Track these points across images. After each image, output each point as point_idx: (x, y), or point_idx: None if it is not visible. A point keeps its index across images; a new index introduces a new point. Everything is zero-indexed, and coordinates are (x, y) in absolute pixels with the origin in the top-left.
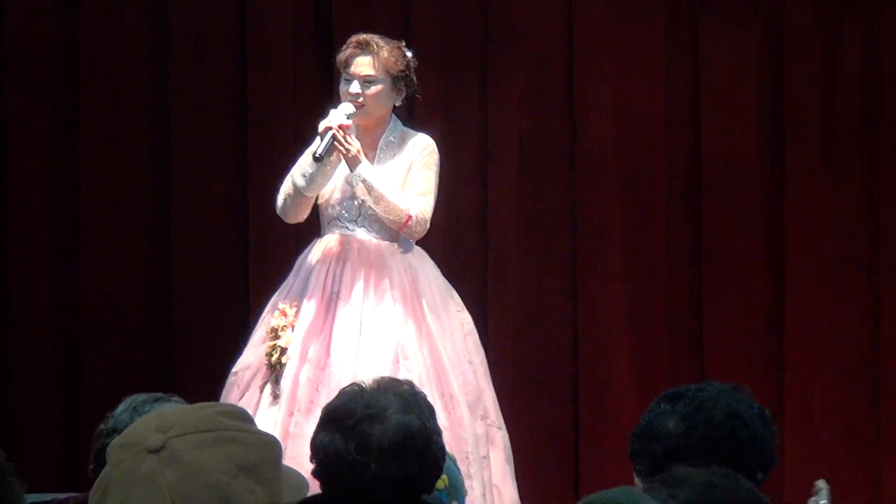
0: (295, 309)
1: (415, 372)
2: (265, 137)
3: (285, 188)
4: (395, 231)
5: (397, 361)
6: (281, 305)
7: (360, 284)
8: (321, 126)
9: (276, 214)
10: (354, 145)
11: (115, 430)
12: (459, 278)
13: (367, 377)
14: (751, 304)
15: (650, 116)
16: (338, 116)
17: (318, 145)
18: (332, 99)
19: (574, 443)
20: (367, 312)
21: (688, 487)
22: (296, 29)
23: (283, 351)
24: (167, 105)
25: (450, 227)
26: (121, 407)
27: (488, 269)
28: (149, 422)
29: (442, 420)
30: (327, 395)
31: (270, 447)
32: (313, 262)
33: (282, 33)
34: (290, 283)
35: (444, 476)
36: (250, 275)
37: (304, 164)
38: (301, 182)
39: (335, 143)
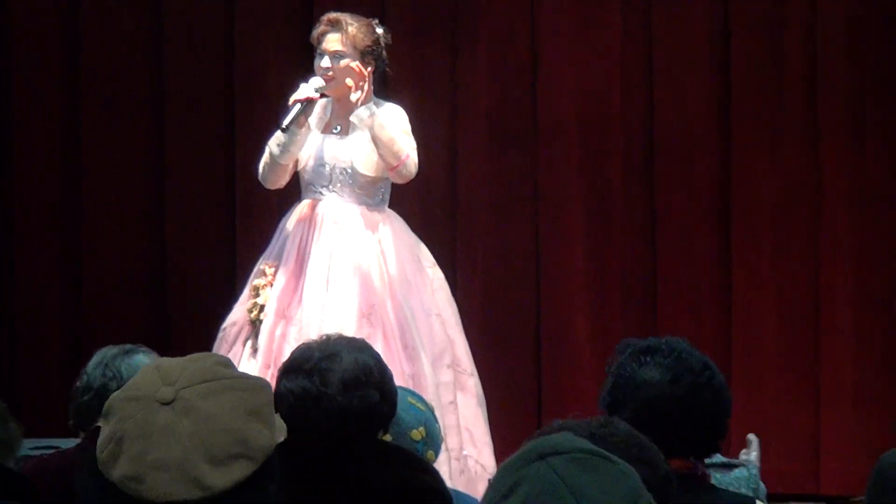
0: (273, 269)
1: (378, 326)
2: (249, 112)
3: (264, 157)
4: (364, 196)
5: (363, 316)
6: (262, 266)
7: (329, 245)
8: (291, 99)
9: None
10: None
11: (90, 388)
12: (430, 241)
13: (332, 330)
14: (700, 266)
15: (607, 90)
16: (307, 89)
17: (286, 117)
18: (312, 73)
19: (537, 390)
20: (335, 270)
21: None
22: (279, 8)
23: (262, 308)
24: (161, 83)
25: (421, 194)
26: (92, 363)
27: (457, 233)
28: (150, 375)
29: (405, 369)
30: None
31: (267, 391)
32: (290, 225)
33: (266, 12)
34: (272, 245)
35: (421, 427)
36: (237, 239)
37: (279, 135)
38: (276, 151)
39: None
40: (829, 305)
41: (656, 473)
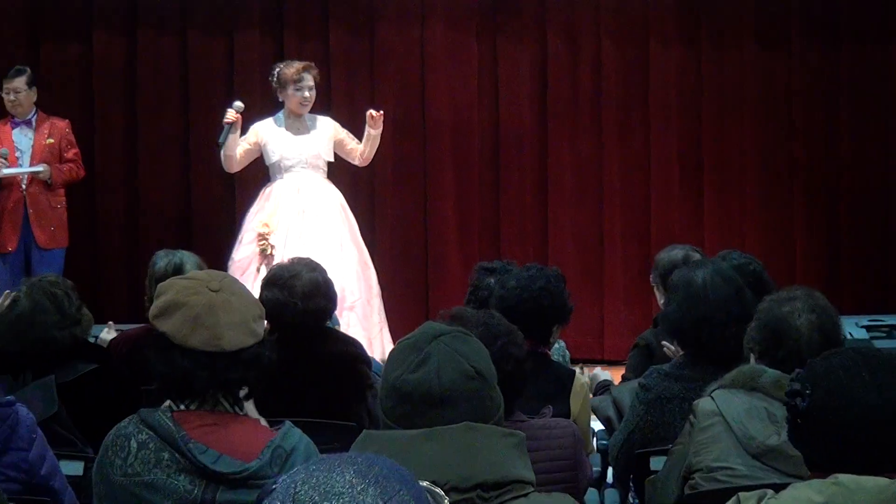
0: (275, 224)
1: (351, 255)
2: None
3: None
4: (326, 171)
5: (339, 249)
6: (265, 219)
7: (315, 203)
8: (224, 121)
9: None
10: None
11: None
12: (360, 210)
13: (320, 260)
14: (524, 213)
15: (468, 102)
16: (232, 113)
17: (220, 135)
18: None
19: (425, 291)
20: (322, 220)
21: (472, 326)
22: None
23: (273, 246)
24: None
25: (351, 173)
26: (160, 263)
27: (375, 202)
28: (196, 275)
29: (362, 286)
30: None
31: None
32: (282, 192)
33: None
34: (263, 205)
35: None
36: (236, 199)
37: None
38: (221, 155)
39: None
40: (609, 236)
41: (520, 349)
